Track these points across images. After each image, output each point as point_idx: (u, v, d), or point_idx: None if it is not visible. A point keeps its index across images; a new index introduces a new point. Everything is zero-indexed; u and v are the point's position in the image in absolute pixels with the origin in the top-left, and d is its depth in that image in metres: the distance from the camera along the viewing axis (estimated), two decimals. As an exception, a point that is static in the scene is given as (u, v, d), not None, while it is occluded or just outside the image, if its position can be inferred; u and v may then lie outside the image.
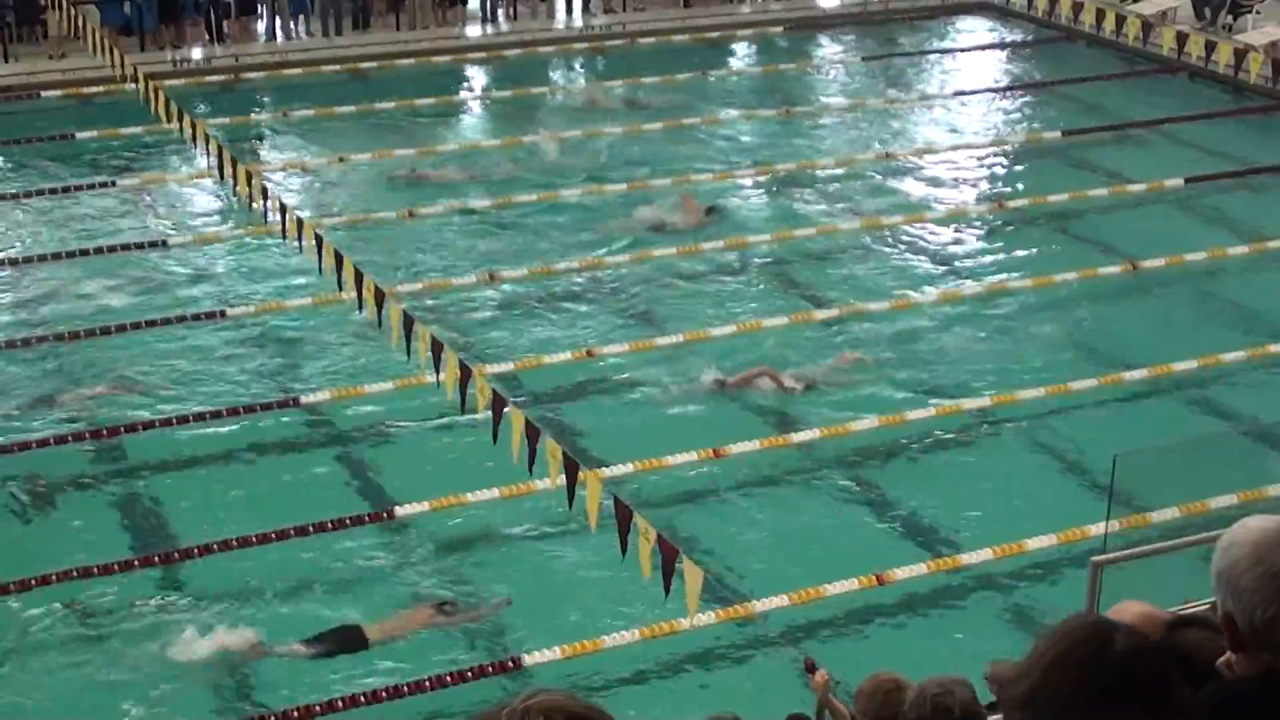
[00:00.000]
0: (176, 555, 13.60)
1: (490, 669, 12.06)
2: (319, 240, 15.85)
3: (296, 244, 17.03)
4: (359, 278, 14.99)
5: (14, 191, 22.14)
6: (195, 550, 13.60)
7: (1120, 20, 28.41)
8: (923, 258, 20.37)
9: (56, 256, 19.65)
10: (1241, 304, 18.99)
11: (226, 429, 15.70)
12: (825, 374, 16.92)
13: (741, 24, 31.25)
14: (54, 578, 13.08)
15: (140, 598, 13.09)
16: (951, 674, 6.60)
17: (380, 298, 14.78)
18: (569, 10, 31.17)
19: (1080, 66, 28.55)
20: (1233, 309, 18.93)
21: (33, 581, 13.04)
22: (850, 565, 13.39)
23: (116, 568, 13.31)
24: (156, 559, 13.58)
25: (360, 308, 15.29)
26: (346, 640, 12.45)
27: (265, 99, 26.82)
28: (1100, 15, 28.72)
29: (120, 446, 15.49)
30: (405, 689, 11.76)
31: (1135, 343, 17.85)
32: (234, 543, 13.62)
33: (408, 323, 14.07)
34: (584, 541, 13.46)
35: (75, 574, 13.14)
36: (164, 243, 20.22)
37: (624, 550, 11.41)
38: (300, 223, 16.37)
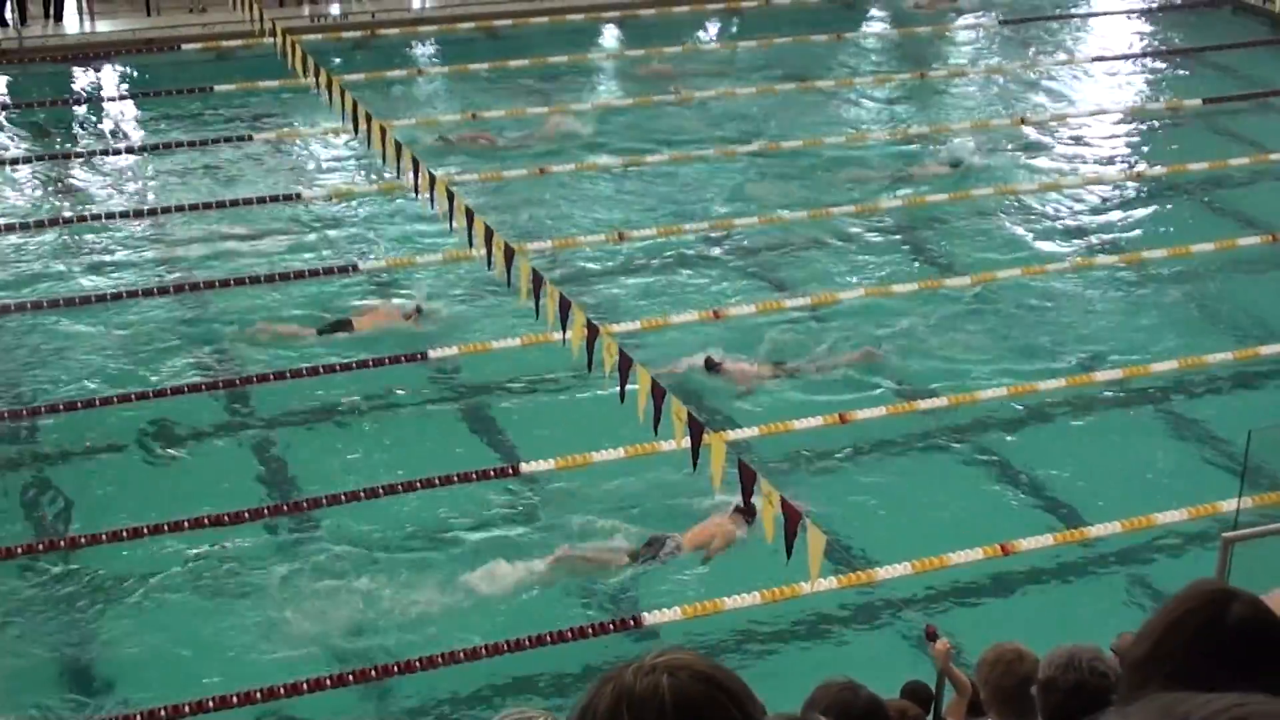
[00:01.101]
0: (305, 504, 13.79)
1: (612, 626, 12.12)
2: (450, 196, 15.94)
3: (428, 200, 17.14)
4: (489, 235, 15.05)
5: (153, 143, 22.50)
6: (324, 499, 13.79)
7: (1268, -14, 27.74)
8: (1056, 225, 20.08)
9: (193, 208, 19.95)
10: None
11: (354, 381, 15.88)
12: (945, 345, 16.77)
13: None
14: (185, 524, 13.32)
15: (269, 546, 13.32)
16: (1083, 644, 6.48)
17: (510, 255, 14.84)
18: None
19: (1225, 33, 27.97)
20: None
21: (165, 526, 13.29)
22: (975, 535, 13.29)
23: (247, 515, 13.54)
24: (285, 508, 13.79)
25: (489, 264, 15.36)
26: None
27: (400, 55, 26.99)
28: (1247, -19, 28.06)
29: (251, 395, 15.72)
30: (527, 642, 11.85)
31: (1273, 316, 17.50)
32: (361, 494, 13.79)
33: (536, 280, 14.12)
34: (707, 502, 13.49)
35: (206, 521, 13.37)
36: (298, 196, 20.47)
37: (749, 517, 11.40)
38: (432, 178, 16.46)
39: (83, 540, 13.20)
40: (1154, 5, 30.48)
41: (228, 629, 12.32)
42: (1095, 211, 20.58)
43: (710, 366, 15.85)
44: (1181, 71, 26.29)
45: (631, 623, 12.16)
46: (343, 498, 13.77)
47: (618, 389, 12.58)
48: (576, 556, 13.04)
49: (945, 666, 9.76)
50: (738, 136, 22.85)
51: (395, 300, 17.70)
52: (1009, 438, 15.06)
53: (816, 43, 27.34)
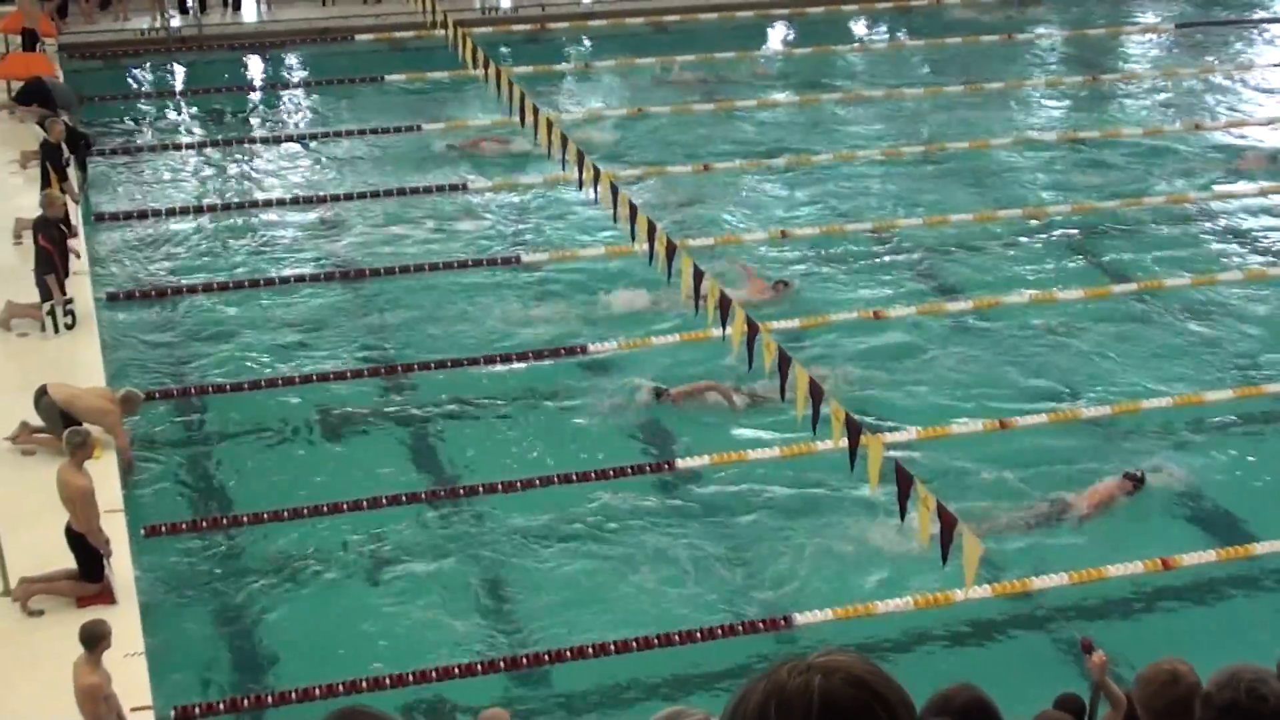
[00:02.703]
0: (462, 491, 13.93)
1: (761, 625, 12.09)
2: (614, 190, 16.01)
3: (593, 193, 17.23)
4: (651, 229, 15.09)
5: (325, 131, 22.88)
6: (480, 488, 13.91)
7: None
8: (1229, 234, 19.66)
9: (362, 195, 20.26)
10: None
11: (515, 373, 16.01)
12: (1118, 352, 16.50)
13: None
14: (344, 506, 13.51)
15: (426, 531, 13.47)
16: (1255, 665, 6.31)
17: (671, 250, 14.86)
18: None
19: None
20: None
21: (325, 508, 13.50)
22: (1135, 548, 13.05)
23: (404, 499, 13.70)
24: (443, 493, 13.93)
25: (651, 259, 15.41)
26: None
27: (569, 49, 27.16)
28: None
29: (413, 383, 15.90)
30: (676, 638, 11.86)
31: None
32: (518, 485, 13.89)
33: (698, 276, 14.12)
34: (862, 505, 13.41)
35: (365, 504, 13.55)
36: (464, 186, 20.68)
37: (902, 516, 11.32)
38: (597, 172, 16.55)
39: (245, 519, 13.45)
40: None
41: (383, 611, 12.49)
42: (1270, 220, 20.09)
43: (659, 395, 15.49)
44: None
45: (782, 622, 12.11)
46: (500, 487, 13.87)
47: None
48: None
49: (1101, 680, 9.61)
50: (900, 137, 22.70)
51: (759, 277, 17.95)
52: (1172, 448, 14.74)
53: (987, 43, 27.05)
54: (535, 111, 18.06)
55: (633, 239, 15.87)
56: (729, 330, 13.80)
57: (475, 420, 15.30)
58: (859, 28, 28.40)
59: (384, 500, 13.61)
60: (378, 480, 14.09)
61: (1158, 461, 14.37)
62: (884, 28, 28.48)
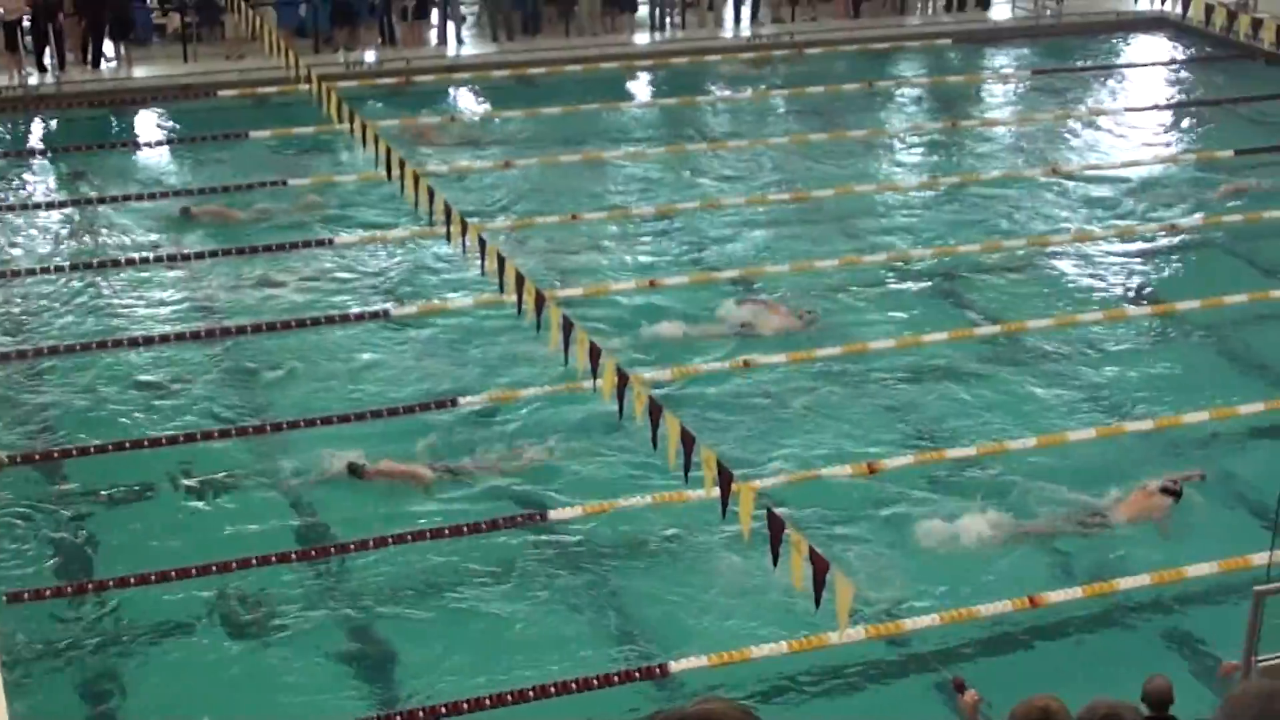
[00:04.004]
0: (333, 550, 13.80)
1: (638, 674, 12.08)
2: (482, 243, 16.01)
3: (460, 246, 17.22)
4: (520, 281, 15.11)
5: (189, 188, 22.65)
6: (351, 546, 13.79)
7: (1301, 38, 27.70)
8: (1089, 276, 20.05)
9: (226, 253, 20.08)
10: None
11: (385, 429, 15.89)
12: (974, 394, 16.74)
13: (910, 35, 31.06)
14: (213, 568, 13.33)
15: (290, 589, 13.32)
16: (1120, 700, 6.45)
17: (540, 301, 14.88)
18: (737, 19, 31.18)
19: (1257, 84, 27.98)
20: None
21: (193, 570, 13.31)
22: (1003, 587, 13.22)
23: (274, 559, 13.55)
24: (313, 553, 13.79)
25: (520, 310, 15.41)
26: None
27: (435, 102, 27.16)
28: (1280, 33, 28.04)
29: (277, 441, 15.74)
30: (553, 689, 11.81)
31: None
32: (389, 540, 13.78)
33: (567, 326, 14.15)
34: (735, 551, 13.47)
35: (234, 565, 13.38)
36: (330, 241, 20.57)
37: (775, 562, 11.37)
38: (465, 225, 16.55)
39: (111, 583, 13.22)
40: (1186, 58, 30.51)
41: (254, 671, 12.32)
42: (1127, 261, 20.54)
43: (353, 471, 15.07)
44: (1214, 123, 26.26)
45: (657, 671, 12.11)
46: (371, 543, 13.76)
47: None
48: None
49: (973, 719, 9.71)
50: (766, 185, 22.94)
51: (787, 306, 18.46)
52: (1039, 488, 14.95)
53: (848, 92, 27.44)
54: (402, 165, 18.02)
55: (502, 290, 15.87)
56: (600, 381, 13.83)
57: (343, 482, 15.11)
58: (723, 78, 28.64)
59: (254, 560, 13.44)
60: (246, 540, 13.92)
61: (1022, 500, 14.57)
62: (748, 77, 28.76)
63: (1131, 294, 19.47)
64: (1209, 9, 29.65)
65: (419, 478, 14.92)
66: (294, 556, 13.71)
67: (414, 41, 29.38)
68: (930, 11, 32.33)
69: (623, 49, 29.58)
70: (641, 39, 30.34)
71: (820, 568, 10.80)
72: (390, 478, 14.93)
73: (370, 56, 28.52)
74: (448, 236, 17.43)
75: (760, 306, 18.44)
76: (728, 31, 30.88)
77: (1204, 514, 14.53)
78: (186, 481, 15.02)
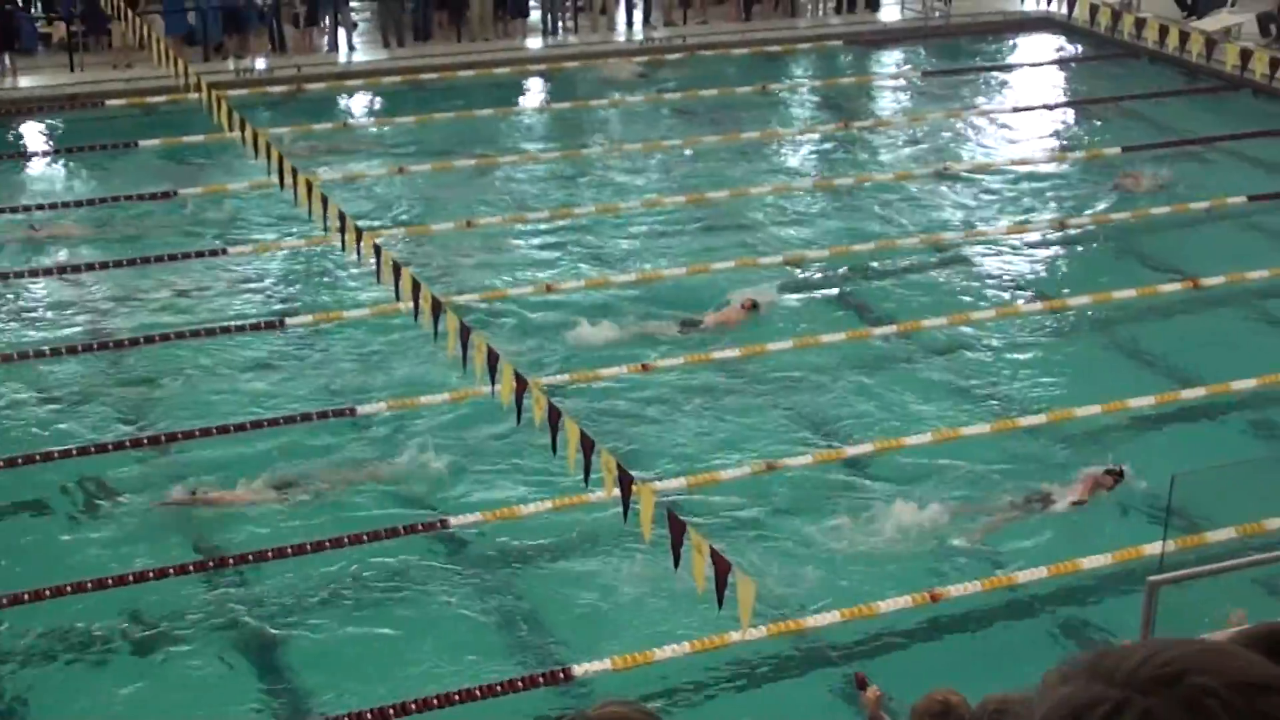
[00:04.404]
0: (230, 561, 13.68)
1: (541, 679, 12.07)
2: (378, 250, 15.94)
3: (355, 254, 17.12)
4: (416, 287, 15.05)
5: (78, 199, 22.37)
6: (250, 556, 13.67)
7: (1184, 37, 28.19)
8: (981, 274, 20.28)
9: (117, 264, 19.84)
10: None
11: (281, 438, 15.77)
12: (872, 393, 16.89)
13: (801, 38, 31.25)
14: (109, 581, 13.18)
15: (188, 602, 13.18)
16: (1013, 691, 6.52)
17: (437, 308, 14.83)
18: (629, 23, 31.24)
19: (1142, 83, 28.42)
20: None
21: (89, 584, 13.14)
22: (903, 582, 13.34)
23: (172, 571, 13.41)
24: (211, 563, 13.66)
25: (417, 318, 15.35)
26: None
27: (326, 109, 26.99)
28: (1164, 32, 28.50)
29: (173, 454, 15.58)
30: (456, 696, 11.78)
31: (1195, 361, 17.71)
32: (289, 550, 13.69)
33: (464, 333, 14.11)
34: (637, 553, 13.49)
35: (132, 578, 13.23)
36: (223, 251, 20.39)
37: (676, 563, 11.41)
38: (359, 232, 16.46)
39: (3, 600, 13.02)
40: (1072, 57, 30.95)
41: (154, 687, 12.19)
42: (1018, 259, 20.80)
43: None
44: (1101, 121, 26.66)
45: (561, 675, 12.11)
46: (270, 554, 13.65)
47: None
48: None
49: (875, 714, 9.79)
50: (661, 188, 23.00)
51: (739, 297, 18.58)
52: (936, 484, 15.11)
53: (741, 94, 27.57)
54: (295, 173, 17.90)
55: (398, 297, 15.80)
56: (498, 387, 13.81)
57: (240, 489, 14.96)
58: (616, 81, 28.68)
59: (150, 574, 13.30)
60: (144, 553, 13.76)
61: (920, 495, 14.71)
62: (641, 80, 28.82)
63: (1024, 291, 19.72)
64: (1094, 9, 30.20)
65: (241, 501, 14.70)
66: (191, 568, 13.56)
67: (305, 48, 29.19)
68: (820, 14, 32.55)
69: (515, 53, 29.53)
70: (534, 43, 30.32)
71: (722, 568, 10.86)
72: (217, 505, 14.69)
73: (261, 64, 28.30)
74: (342, 244, 17.33)
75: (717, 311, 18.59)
76: (620, 35, 30.93)
77: (1098, 506, 14.73)
78: (79, 495, 14.82)
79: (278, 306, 18.93)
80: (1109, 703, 1.67)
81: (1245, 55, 27.11)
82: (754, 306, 18.55)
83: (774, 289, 19.19)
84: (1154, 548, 12.64)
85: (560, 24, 30.85)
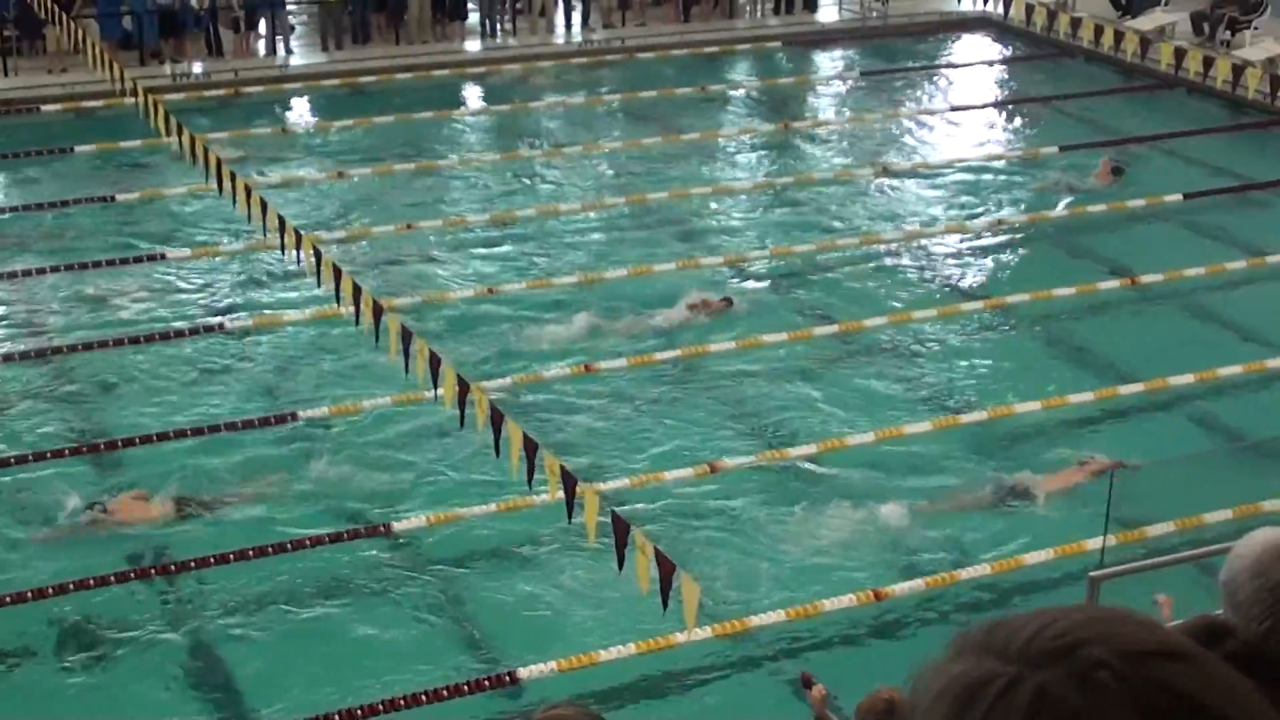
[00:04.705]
0: (174, 567, 13.58)
1: (486, 683, 12.04)
2: (318, 254, 15.87)
3: (295, 258, 17.05)
4: (357, 291, 14.99)
5: (13, 205, 22.17)
6: (191, 563, 13.59)
7: (1119, 36, 28.45)
8: (921, 273, 20.38)
9: (55, 269, 19.67)
10: (1239, 319, 18.99)
11: (223, 443, 15.67)
12: (814, 393, 16.94)
13: (740, 39, 31.31)
14: (49, 591, 13.07)
15: (131, 608, 13.09)
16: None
17: (378, 311, 14.78)
18: (568, 25, 31.22)
19: (1078, 82, 28.64)
20: (1230, 324, 18.94)
21: (29, 594, 13.04)
22: (847, 581, 13.39)
23: (113, 579, 13.30)
24: (153, 571, 13.56)
25: (358, 321, 15.29)
26: None
27: (265, 113, 26.85)
28: (1099, 31, 28.75)
29: (116, 459, 15.46)
30: (402, 702, 11.74)
31: (1134, 358, 17.85)
32: (231, 557, 13.59)
33: (406, 336, 14.07)
34: (582, 555, 13.48)
35: (72, 586, 13.12)
36: (162, 256, 20.24)
37: (620, 565, 11.41)
38: (299, 236, 16.38)
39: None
40: (1009, 57, 31.15)
41: (95, 693, 12.10)
42: (958, 258, 20.91)
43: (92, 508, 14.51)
44: (1038, 120, 26.85)
45: (506, 679, 12.09)
46: (212, 560, 13.56)
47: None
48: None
49: (822, 713, 9.82)
50: (601, 190, 23.00)
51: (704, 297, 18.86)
52: (877, 482, 15.17)
53: (680, 95, 27.60)
54: (233, 177, 17.80)
55: (339, 302, 15.74)
56: (440, 390, 13.77)
57: (182, 496, 14.86)
58: (554, 83, 28.67)
59: (91, 581, 13.19)
60: (82, 559, 13.65)
61: (863, 494, 14.77)
62: (579, 83, 28.81)
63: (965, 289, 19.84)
64: (1029, 9, 30.43)
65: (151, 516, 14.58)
66: (133, 575, 13.47)
67: (242, 52, 29.02)
68: (758, 15, 32.64)
69: (454, 56, 29.47)
70: (472, 46, 30.26)
71: (666, 569, 10.86)
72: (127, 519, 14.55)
73: (198, 68, 28.11)
74: (282, 248, 17.24)
75: (684, 304, 18.75)
76: (559, 37, 30.90)
77: (1040, 502, 14.82)
78: (19, 503, 14.68)
79: (218, 311, 18.80)
80: (1002, 679, 1.65)
81: (1179, 54, 27.38)
82: (729, 303, 18.83)
83: (739, 289, 19.51)
84: (1095, 543, 12.73)
85: (499, 26, 30.81)
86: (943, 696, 1.68)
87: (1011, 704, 1.63)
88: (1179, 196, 22.69)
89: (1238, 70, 26.37)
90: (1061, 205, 22.44)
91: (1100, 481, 14.44)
